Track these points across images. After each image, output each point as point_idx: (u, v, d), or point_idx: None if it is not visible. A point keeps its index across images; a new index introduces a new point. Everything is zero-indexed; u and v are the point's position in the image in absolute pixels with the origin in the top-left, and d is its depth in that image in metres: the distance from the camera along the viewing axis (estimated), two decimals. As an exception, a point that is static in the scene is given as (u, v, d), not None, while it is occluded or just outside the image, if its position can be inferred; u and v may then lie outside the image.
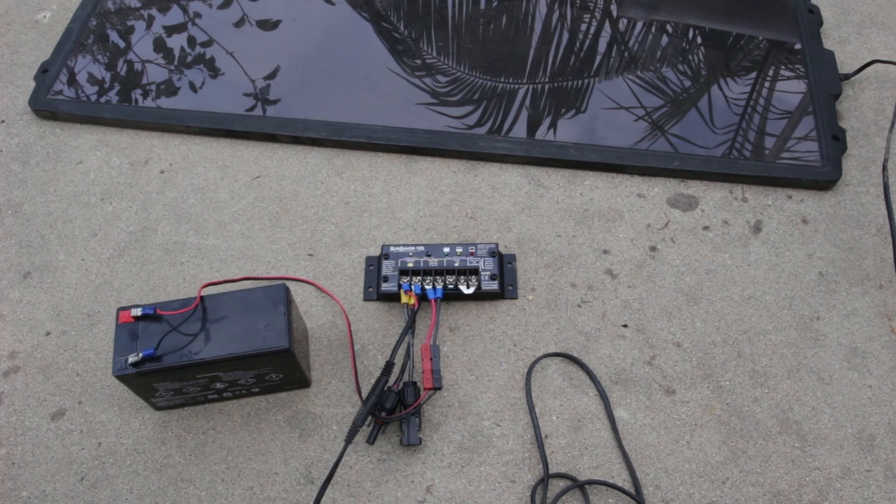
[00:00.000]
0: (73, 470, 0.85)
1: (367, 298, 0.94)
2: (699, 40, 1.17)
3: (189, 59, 1.17)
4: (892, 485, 0.81)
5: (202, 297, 0.79)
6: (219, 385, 0.82)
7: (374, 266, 0.96)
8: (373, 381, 0.85)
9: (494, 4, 1.22)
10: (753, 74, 1.12)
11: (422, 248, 0.94)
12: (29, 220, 1.03)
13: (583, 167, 1.04)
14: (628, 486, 0.82)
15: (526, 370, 0.89)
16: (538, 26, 1.19)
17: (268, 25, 1.21)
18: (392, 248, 0.94)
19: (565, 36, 1.18)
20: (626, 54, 1.15)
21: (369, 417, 0.82)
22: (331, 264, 0.97)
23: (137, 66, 1.16)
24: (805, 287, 0.94)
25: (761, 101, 1.09)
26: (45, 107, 1.12)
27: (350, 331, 0.91)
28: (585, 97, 1.10)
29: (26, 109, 1.14)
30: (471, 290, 0.91)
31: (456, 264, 0.92)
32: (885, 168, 0.99)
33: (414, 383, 0.85)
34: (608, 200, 1.02)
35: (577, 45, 1.17)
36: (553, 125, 1.07)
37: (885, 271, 0.95)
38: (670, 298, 0.94)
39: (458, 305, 0.94)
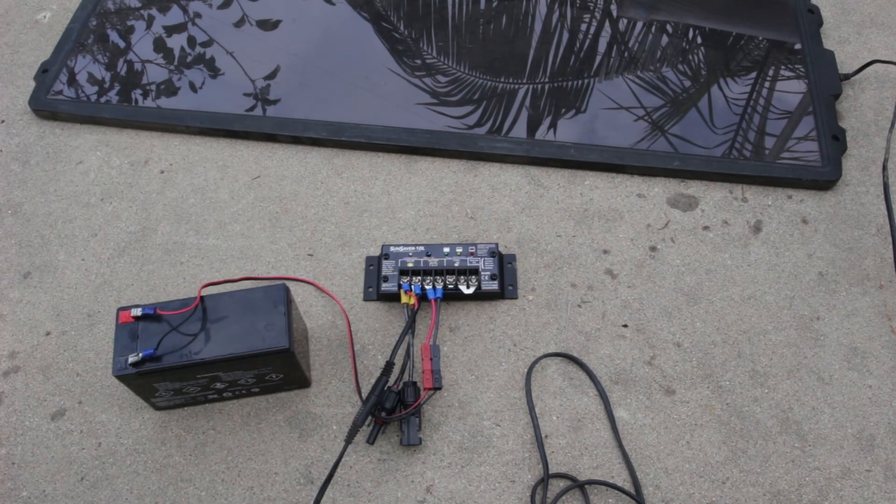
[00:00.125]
0: (73, 470, 0.85)
1: (367, 298, 0.94)
2: (699, 40, 1.17)
3: (189, 59, 1.17)
4: (892, 485, 0.81)
5: (202, 297, 0.79)
6: (219, 385, 0.82)
7: (374, 266, 0.96)
8: (373, 381, 0.85)
9: (494, 4, 1.22)
10: (753, 74, 1.12)
11: (422, 248, 0.94)
12: (29, 220, 1.03)
13: (583, 167, 1.04)
14: (628, 486, 0.82)
15: (526, 370, 0.89)
16: (538, 26, 1.19)
17: (268, 25, 1.21)
18: (392, 248, 0.94)
19: (565, 36, 1.18)
20: (626, 54, 1.15)
21: (369, 417, 0.82)
22: (331, 264, 0.97)
23: (137, 66, 1.16)
24: (805, 287, 0.94)
25: (761, 101, 1.09)
26: (45, 107, 1.12)
27: (350, 331, 0.91)
28: (585, 97, 1.10)
29: (26, 109, 1.14)
30: (471, 290, 0.91)
31: (456, 264, 0.92)
32: (885, 168, 0.99)
33: (414, 383, 0.85)
34: (608, 200, 1.02)
35: (577, 45, 1.17)
36: (553, 125, 1.07)
37: (885, 271, 0.95)
38: (670, 298, 0.94)
39: (458, 305, 0.94)
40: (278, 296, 0.80)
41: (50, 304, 0.96)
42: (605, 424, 0.85)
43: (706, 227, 0.99)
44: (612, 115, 1.08)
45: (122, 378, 0.76)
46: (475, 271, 0.92)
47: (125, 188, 1.05)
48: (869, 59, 1.12)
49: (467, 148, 1.05)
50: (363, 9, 1.22)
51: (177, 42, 1.19)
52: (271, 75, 1.14)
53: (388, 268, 0.92)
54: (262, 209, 1.03)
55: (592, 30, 1.18)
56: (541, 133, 1.06)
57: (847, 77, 1.11)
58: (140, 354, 0.75)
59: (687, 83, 1.12)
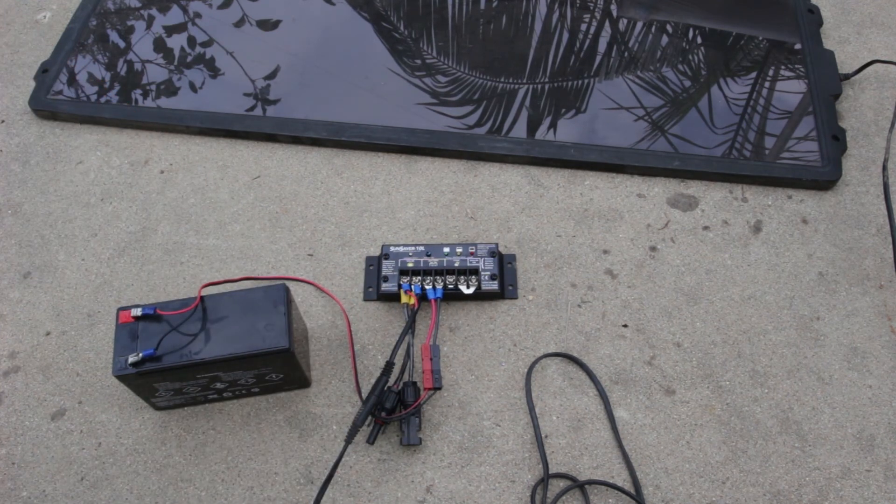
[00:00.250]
0: (73, 470, 0.85)
1: (367, 298, 0.94)
2: (699, 40, 1.17)
3: (189, 59, 1.17)
4: (892, 485, 0.81)
5: (202, 297, 0.79)
6: (219, 385, 0.82)
7: (374, 266, 0.96)
8: (373, 381, 0.85)
9: (494, 4, 1.22)
10: (753, 74, 1.12)
11: (422, 248, 0.94)
12: (29, 220, 1.03)
13: (583, 167, 1.04)
14: (628, 486, 0.82)
15: (526, 370, 0.89)
16: (538, 26, 1.19)
17: (268, 25, 1.21)
18: (392, 248, 0.94)
19: (565, 36, 1.18)
20: (626, 54, 1.15)
21: (369, 417, 0.82)
22: (331, 264, 0.97)
23: (137, 66, 1.16)
24: (805, 287, 0.94)
25: (761, 101, 1.09)
26: (45, 107, 1.12)
27: (350, 331, 0.91)
28: (585, 97, 1.10)
29: (26, 109, 1.14)
30: (471, 290, 0.91)
31: (456, 264, 0.92)
32: (885, 168, 0.99)
33: (414, 383, 0.85)
34: (608, 200, 1.02)
35: (577, 45, 1.17)
36: (553, 125, 1.07)
37: (885, 271, 0.95)
38: (670, 298, 0.94)
39: (458, 305, 0.94)
40: (278, 296, 0.80)
41: (50, 304, 0.96)
42: (605, 424, 0.85)
43: (706, 227, 0.99)
44: (612, 115, 1.08)
45: (122, 378, 0.76)
46: (475, 271, 0.92)
47: (125, 188, 1.05)
48: (869, 59, 1.12)
49: (467, 148, 1.05)
50: (363, 9, 1.22)
51: (177, 42, 1.19)
52: (271, 75, 1.14)
53: (388, 268, 0.92)
54: (262, 209, 1.03)
55: (592, 30, 1.18)
56: (541, 133, 1.06)
57: (847, 77, 1.11)
58: (140, 354, 0.75)
59: (687, 83, 1.12)
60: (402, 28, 1.20)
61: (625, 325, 0.92)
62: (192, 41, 1.19)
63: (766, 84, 1.11)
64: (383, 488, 0.82)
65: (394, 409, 0.83)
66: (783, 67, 1.13)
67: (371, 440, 0.82)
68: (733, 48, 1.16)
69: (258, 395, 0.88)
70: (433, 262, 0.92)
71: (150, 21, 1.22)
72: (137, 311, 0.77)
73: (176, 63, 1.16)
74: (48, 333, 0.94)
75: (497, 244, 0.94)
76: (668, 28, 1.19)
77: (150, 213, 1.03)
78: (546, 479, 0.81)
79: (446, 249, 0.93)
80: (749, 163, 1.02)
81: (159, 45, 1.18)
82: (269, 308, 0.79)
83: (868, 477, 0.82)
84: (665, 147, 1.04)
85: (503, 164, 1.05)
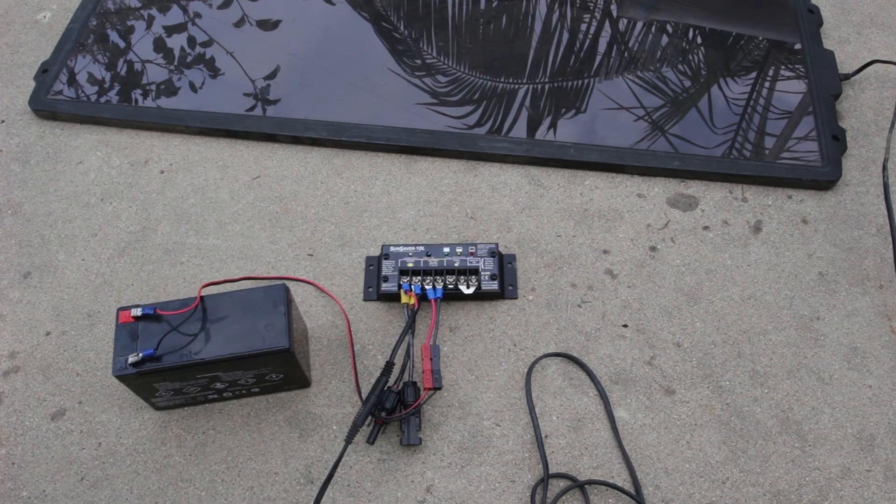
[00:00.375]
0: (73, 470, 0.85)
1: (367, 298, 0.94)
2: (699, 40, 1.17)
3: (189, 59, 1.17)
4: (892, 485, 0.81)
5: (202, 297, 0.79)
6: (219, 385, 0.82)
7: (374, 266, 0.96)
8: (373, 381, 0.85)
9: (494, 4, 1.22)
10: (753, 74, 1.12)
11: (422, 248, 0.94)
12: (29, 220, 1.03)
13: (583, 167, 1.04)
14: (628, 486, 0.82)
15: (526, 370, 0.89)
16: (538, 26, 1.19)
17: (268, 25, 1.21)
18: (392, 248, 0.94)
19: (565, 36, 1.18)
20: (626, 54, 1.15)
21: (369, 417, 0.82)
22: (331, 264, 0.97)
23: (137, 66, 1.16)
24: (805, 287, 0.94)
25: (761, 101, 1.09)
26: (45, 107, 1.12)
27: (350, 331, 0.91)
28: (585, 97, 1.10)
29: (26, 109, 1.14)
30: (471, 290, 0.91)
31: (456, 264, 0.92)
32: (885, 168, 0.99)
33: (414, 383, 0.85)
34: (608, 200, 1.02)
35: (577, 45, 1.17)
36: (553, 125, 1.07)
37: (885, 271, 0.95)
38: (670, 298, 0.94)
39: (458, 305, 0.94)
40: (278, 296, 0.80)
41: (50, 304, 0.96)
42: (605, 424, 0.85)
43: (706, 227, 0.99)
44: (612, 115, 1.08)
45: (122, 378, 0.76)
46: (475, 271, 0.92)
47: (125, 188, 1.05)
48: (869, 59, 1.12)
49: (467, 148, 1.05)
50: (363, 9, 1.22)
51: (177, 42, 1.19)
52: (271, 75, 1.14)
53: (388, 268, 0.92)
54: (262, 209, 1.03)
55: (592, 30, 1.18)
56: (541, 133, 1.06)
57: (847, 77, 1.11)
58: (140, 354, 0.75)
59: (687, 83, 1.12)
60: (402, 28, 1.20)
61: (625, 325, 0.92)
62: (192, 41, 1.19)
63: (766, 84, 1.11)
64: (383, 488, 0.82)
65: (394, 409, 0.83)
66: (783, 67, 1.13)
67: (371, 440, 0.82)
68: (733, 48, 1.16)
69: (258, 395, 0.88)
70: (433, 262, 0.92)
71: (150, 21, 1.22)
72: (137, 311, 0.77)
73: (176, 63, 1.16)
74: (48, 333, 0.94)
75: (497, 244, 0.94)
76: (668, 28, 1.19)
77: (150, 213, 1.03)
78: (546, 479, 0.81)
79: (446, 249, 0.93)
80: (749, 163, 1.02)
81: (159, 45, 1.18)
82: (269, 308, 0.79)
83: (868, 477, 0.82)
84: (665, 147, 1.04)
85: (503, 164, 1.05)
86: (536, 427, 0.85)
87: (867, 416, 0.85)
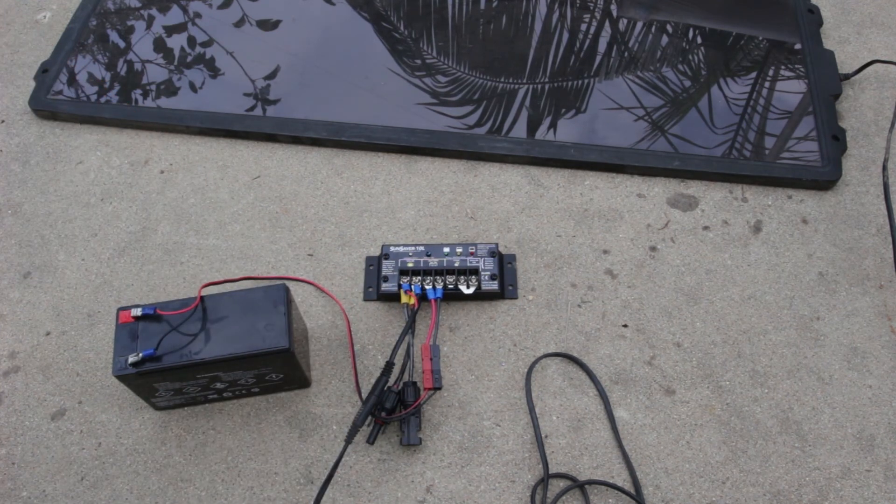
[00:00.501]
0: (73, 470, 0.85)
1: (367, 298, 0.94)
2: (699, 40, 1.17)
3: (189, 59, 1.17)
4: (892, 485, 0.81)
5: (202, 297, 0.79)
6: (219, 385, 0.82)
7: (374, 266, 0.96)
8: (373, 381, 0.85)
9: (494, 4, 1.22)
10: (753, 74, 1.12)
11: (422, 248, 0.94)
12: (29, 220, 1.03)
13: (583, 167, 1.04)
14: (628, 486, 0.82)
15: (526, 370, 0.89)
16: (538, 26, 1.19)
17: (268, 25, 1.21)
18: (392, 248, 0.94)
19: (565, 36, 1.18)
20: (626, 54, 1.15)
21: (369, 417, 0.82)
22: (331, 264, 0.97)
23: (137, 66, 1.16)
24: (805, 287, 0.94)
25: (761, 101, 1.09)
26: (45, 107, 1.12)
27: (350, 331, 0.91)
28: (585, 97, 1.10)
29: (26, 109, 1.14)
30: (471, 290, 0.91)
31: (456, 264, 0.92)
32: (885, 168, 0.99)
33: (414, 383, 0.85)
34: (608, 200, 1.02)
35: (577, 45, 1.17)
36: (553, 125, 1.07)
37: (885, 271, 0.95)
38: (670, 298, 0.94)
39: (458, 305, 0.94)
40: (278, 296, 0.80)
41: (50, 304, 0.96)
42: (605, 424, 0.85)
43: (706, 227, 0.99)
44: (612, 115, 1.08)
45: (122, 378, 0.76)
46: (475, 271, 0.92)
47: (125, 188, 1.05)
48: (869, 59, 1.12)
49: (467, 148, 1.05)
50: (363, 9, 1.22)
51: (177, 42, 1.19)
52: (271, 75, 1.14)
53: (388, 268, 0.92)
54: (262, 209, 1.03)
55: (592, 30, 1.18)
56: (541, 133, 1.06)
57: (847, 77, 1.11)
58: (140, 354, 0.75)
59: (687, 83, 1.12)
60: (402, 28, 1.20)
61: (625, 325, 0.92)
62: (192, 41, 1.19)
63: (766, 84, 1.11)
64: (383, 488, 0.82)
65: (394, 409, 0.83)
66: (783, 67, 1.13)
67: (371, 440, 0.82)
68: (733, 48, 1.16)
69: (258, 395, 0.88)
70: (433, 262, 0.92)
71: (150, 21, 1.22)
72: (137, 311, 0.77)
73: (176, 63, 1.16)
74: (48, 333, 0.94)
75: (497, 244, 0.94)
76: (668, 28, 1.19)
77: (150, 213, 1.03)
78: (546, 479, 0.81)
79: (446, 249, 0.93)
80: (749, 163, 1.02)
81: (159, 45, 1.18)
82: (269, 308, 0.79)
83: (868, 477, 0.82)
84: (665, 147, 1.04)
85: (503, 164, 1.05)
86: (536, 427, 0.85)
87: (867, 416, 0.85)
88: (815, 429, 0.85)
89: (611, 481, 0.82)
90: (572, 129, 1.07)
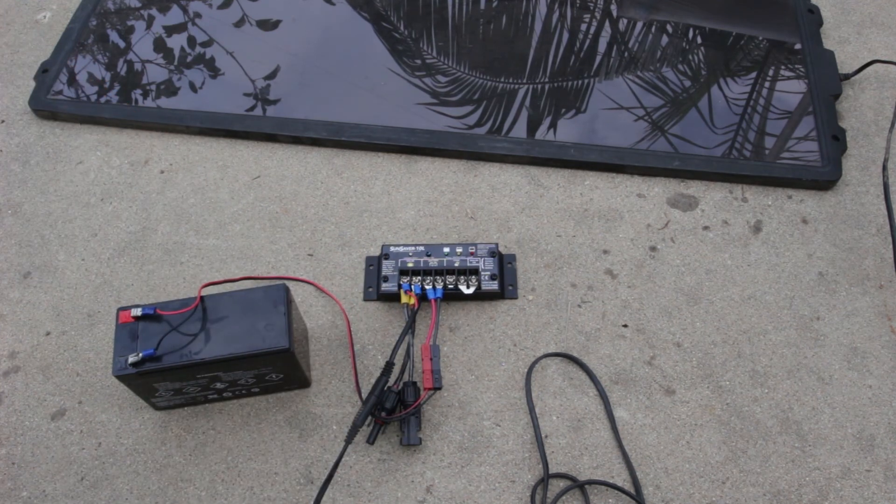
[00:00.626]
0: (73, 470, 0.85)
1: (367, 298, 0.94)
2: (699, 40, 1.17)
3: (189, 59, 1.17)
4: (892, 485, 0.81)
5: (202, 297, 0.79)
6: (219, 385, 0.82)
7: (374, 266, 0.96)
8: (373, 381, 0.85)
9: (494, 4, 1.22)
10: (753, 74, 1.12)
11: (422, 248, 0.94)
12: (29, 220, 1.03)
13: (583, 167, 1.04)
14: (628, 486, 0.82)
15: (526, 370, 0.89)
16: (538, 26, 1.19)
17: (268, 25, 1.21)
18: (392, 248, 0.94)
19: (565, 36, 1.18)
20: (626, 54, 1.15)
21: (369, 417, 0.82)
22: (331, 264, 0.97)
23: (137, 66, 1.16)
24: (805, 287, 0.94)
25: (761, 101, 1.09)
26: (45, 107, 1.12)
27: (350, 331, 0.91)
28: (585, 97, 1.10)
29: (26, 109, 1.14)
30: (471, 290, 0.91)
31: (456, 264, 0.92)
32: (885, 168, 0.99)
33: (414, 383, 0.85)
34: (608, 200, 1.02)
35: (577, 45, 1.17)
36: (553, 125, 1.07)
37: (885, 271, 0.95)
38: (670, 298, 0.94)
39: (458, 305, 0.94)
40: (278, 296, 0.80)
41: (50, 304, 0.96)
42: (605, 424, 0.85)
43: (706, 227, 0.99)
44: (612, 115, 1.08)
45: (122, 378, 0.76)
46: (475, 271, 0.92)
47: (125, 188, 1.05)
48: (869, 59, 1.12)
49: (467, 148, 1.05)
50: (363, 9, 1.22)
51: (177, 42, 1.19)
52: (271, 75, 1.14)
53: (388, 268, 0.92)
54: (262, 209, 1.03)
55: (592, 30, 1.18)
56: (541, 133, 1.06)
57: (847, 77, 1.11)
58: (140, 354, 0.75)
59: (687, 83, 1.12)
60: (402, 28, 1.20)
61: (625, 325, 0.92)
62: (192, 41, 1.19)
63: (766, 84, 1.11)
64: (383, 488, 0.82)
65: (394, 409, 0.83)
66: (783, 67, 1.13)
67: (371, 440, 0.82)
68: (733, 48, 1.16)
69: (258, 395, 0.88)
70: (433, 262, 0.92)
71: (150, 21, 1.22)
72: (137, 311, 0.77)
73: (176, 63, 1.16)
74: (48, 333, 0.94)
75: (497, 244, 0.94)
76: (668, 28, 1.19)
77: (150, 213, 1.03)
78: (546, 479, 0.81)
79: (446, 249, 0.93)
80: (749, 163, 1.02)
81: (159, 45, 1.18)
82: (269, 308, 0.79)
83: (868, 477, 0.82)
84: (665, 147, 1.04)
85: (503, 164, 1.05)
86: (536, 427, 0.85)
87: (867, 416, 0.85)
88: (815, 429, 0.85)
89: (611, 481, 0.82)
90: (572, 129, 1.07)
